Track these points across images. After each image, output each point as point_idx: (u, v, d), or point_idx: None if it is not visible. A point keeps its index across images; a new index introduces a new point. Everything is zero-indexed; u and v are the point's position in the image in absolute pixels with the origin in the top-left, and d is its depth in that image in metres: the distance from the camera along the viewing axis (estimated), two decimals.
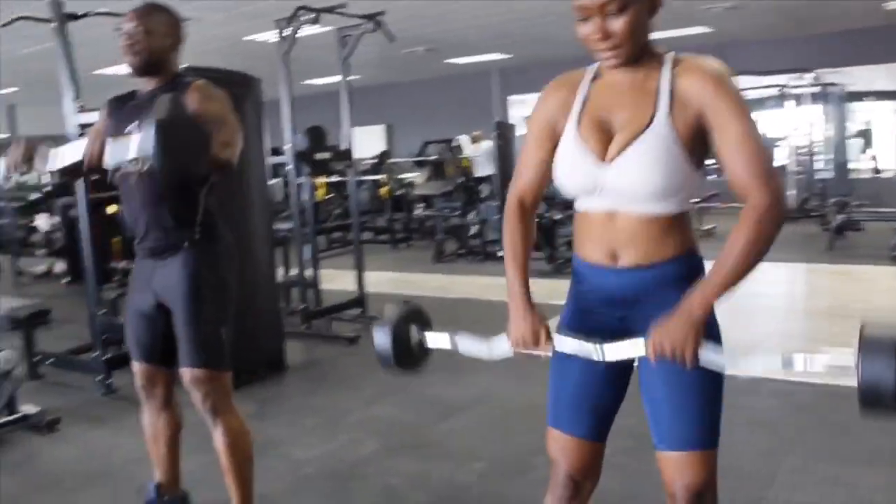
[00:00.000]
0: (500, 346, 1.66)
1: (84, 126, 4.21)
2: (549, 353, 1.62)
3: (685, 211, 1.55)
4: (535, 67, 13.96)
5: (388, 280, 7.44)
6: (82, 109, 4.20)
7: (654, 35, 1.52)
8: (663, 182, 1.46)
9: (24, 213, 9.51)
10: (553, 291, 6.31)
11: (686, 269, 1.55)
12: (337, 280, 6.68)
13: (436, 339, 1.73)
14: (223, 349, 2.39)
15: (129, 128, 2.26)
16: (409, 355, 1.74)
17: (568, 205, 9.83)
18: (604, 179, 1.52)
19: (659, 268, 1.54)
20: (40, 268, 8.91)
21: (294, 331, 5.49)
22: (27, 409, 3.89)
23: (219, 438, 2.44)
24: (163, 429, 2.58)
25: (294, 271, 6.10)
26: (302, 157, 5.64)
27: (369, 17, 5.63)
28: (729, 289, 1.43)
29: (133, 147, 1.92)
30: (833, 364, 1.33)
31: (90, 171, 2.33)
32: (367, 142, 15.75)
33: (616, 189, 1.51)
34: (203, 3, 7.72)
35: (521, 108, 15.93)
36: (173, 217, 2.32)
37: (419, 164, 12.91)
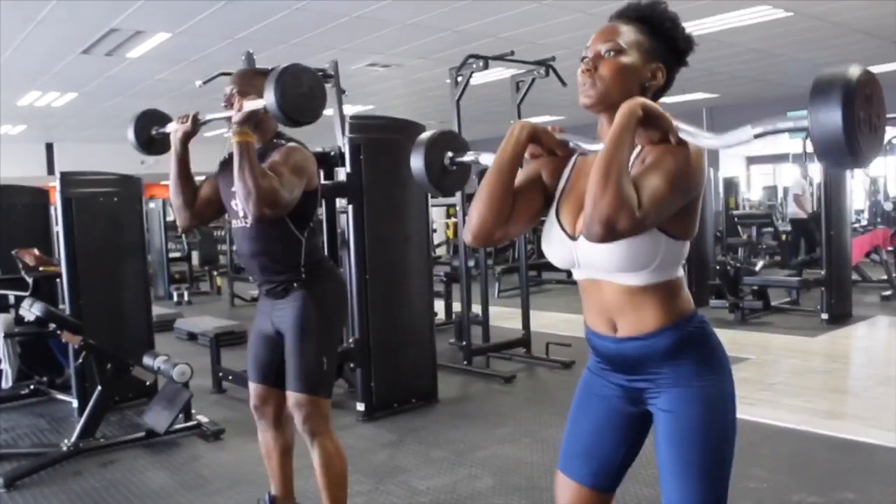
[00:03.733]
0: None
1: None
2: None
3: (670, 279, 1.53)
4: (744, 107, 13.40)
5: (562, 321, 7.45)
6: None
7: None
8: (627, 254, 1.46)
9: None
10: (734, 343, 6.12)
11: (676, 340, 1.53)
12: (518, 318, 6.72)
13: (466, 157, 1.79)
14: (323, 378, 2.61)
15: (234, 187, 2.51)
16: (442, 175, 1.80)
17: (753, 251, 9.30)
18: (577, 255, 1.55)
19: (650, 339, 1.54)
20: (252, 292, 9.85)
21: (456, 366, 5.70)
22: (201, 418, 4.39)
23: (315, 458, 2.66)
24: (274, 446, 2.84)
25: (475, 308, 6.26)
26: (471, 198, 5.84)
27: (541, 62, 5.78)
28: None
29: (260, 102, 2.22)
30: (789, 125, 1.27)
31: (204, 212, 2.70)
32: None
33: (588, 263, 1.55)
34: (402, 50, 8.29)
35: (735, 149, 15.27)
36: (280, 262, 2.59)
37: None
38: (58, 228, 5.96)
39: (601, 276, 1.55)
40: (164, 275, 11.06)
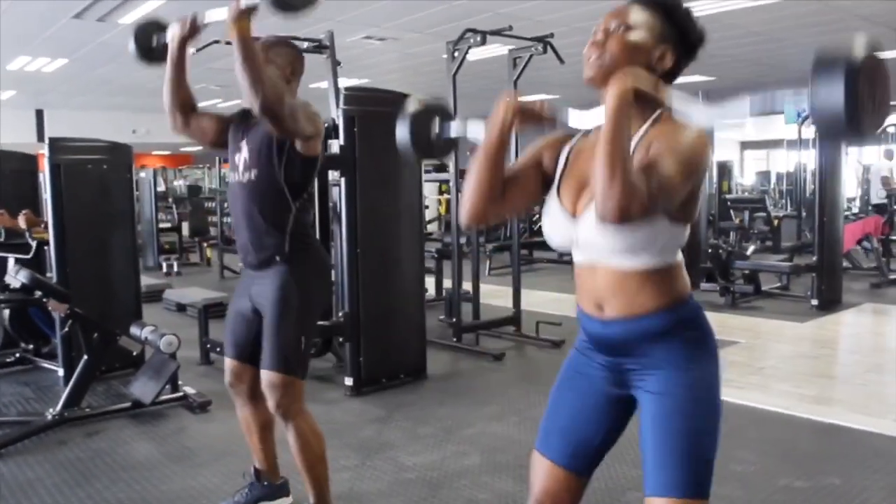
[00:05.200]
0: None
1: (242, 120, 4.64)
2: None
3: (669, 264, 1.52)
4: (741, 90, 13.35)
5: (552, 300, 7.43)
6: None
7: None
8: (628, 237, 1.45)
9: None
10: (724, 327, 6.12)
11: (670, 322, 1.51)
12: (508, 297, 6.66)
13: (454, 128, 1.78)
14: (299, 358, 2.57)
15: (241, 143, 2.58)
16: (428, 144, 1.80)
17: (745, 235, 9.30)
18: (577, 234, 1.54)
19: (641, 321, 1.51)
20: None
21: (446, 343, 5.67)
22: (188, 389, 4.36)
23: (291, 440, 2.61)
24: (253, 421, 2.81)
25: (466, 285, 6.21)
26: (465, 174, 5.80)
27: (538, 39, 5.71)
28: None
29: None
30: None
31: (196, 126, 2.64)
32: None
33: (586, 244, 1.53)
34: (398, 23, 8.20)
35: (729, 132, 15.25)
36: (267, 226, 2.53)
37: None
38: (46, 195, 5.92)
39: (600, 258, 1.52)
40: (153, 245, 11.00)
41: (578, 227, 1.53)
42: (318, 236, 4.76)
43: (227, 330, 2.75)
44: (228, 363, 2.75)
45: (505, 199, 1.62)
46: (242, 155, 2.57)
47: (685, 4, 1.56)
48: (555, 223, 1.60)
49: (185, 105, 2.59)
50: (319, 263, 2.70)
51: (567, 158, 1.64)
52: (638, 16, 1.53)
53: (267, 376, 2.54)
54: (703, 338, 1.55)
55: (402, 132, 1.76)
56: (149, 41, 2.62)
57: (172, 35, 2.48)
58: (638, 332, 1.52)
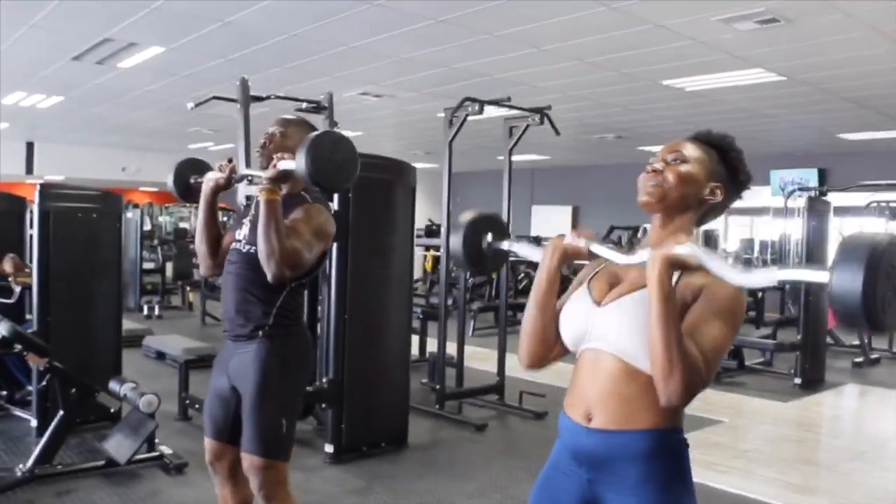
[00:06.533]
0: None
1: (249, 198, 4.63)
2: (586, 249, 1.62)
3: None
4: None
5: None
6: (251, 182, 4.62)
7: None
8: (644, 337, 1.44)
9: None
10: (709, 404, 6.12)
11: (657, 445, 1.49)
12: (491, 360, 6.60)
13: (504, 244, 1.87)
14: (282, 440, 2.50)
15: (244, 220, 2.61)
16: (479, 254, 1.87)
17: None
18: (593, 323, 1.56)
19: (627, 436, 1.49)
20: None
21: (428, 409, 5.59)
22: (164, 449, 4.27)
23: None
24: (231, 502, 2.72)
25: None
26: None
27: (536, 110, 5.77)
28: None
29: (291, 163, 2.25)
30: (810, 278, 1.29)
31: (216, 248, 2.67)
32: (552, 221, 15.86)
33: (601, 333, 1.54)
34: (396, 82, 8.27)
35: None
36: (257, 298, 2.50)
37: None
38: (32, 231, 5.85)
39: (609, 350, 1.52)
40: (136, 286, 10.90)
41: (598, 316, 1.55)
42: (306, 297, 4.73)
43: (205, 408, 2.69)
44: (207, 443, 2.67)
45: (559, 342, 1.67)
46: (244, 231, 2.58)
47: (738, 147, 1.65)
48: (574, 311, 1.62)
49: (216, 248, 2.65)
50: (302, 342, 2.64)
51: (599, 269, 1.67)
52: (693, 151, 1.60)
53: (248, 460, 2.47)
54: (685, 471, 1.54)
55: (456, 242, 1.86)
56: (187, 180, 2.78)
57: (208, 179, 2.58)
58: (621, 447, 1.50)
